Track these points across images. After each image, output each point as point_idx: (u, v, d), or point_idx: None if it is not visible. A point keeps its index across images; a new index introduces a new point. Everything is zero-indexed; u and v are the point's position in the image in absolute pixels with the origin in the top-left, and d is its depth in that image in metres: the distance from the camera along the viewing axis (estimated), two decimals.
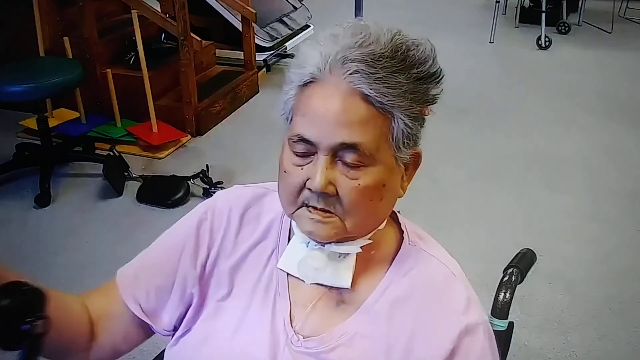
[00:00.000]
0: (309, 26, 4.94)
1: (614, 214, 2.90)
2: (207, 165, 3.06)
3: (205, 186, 2.99)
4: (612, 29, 5.56)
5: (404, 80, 0.81)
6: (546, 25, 5.11)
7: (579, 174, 3.25)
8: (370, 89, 0.79)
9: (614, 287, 2.42)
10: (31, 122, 3.35)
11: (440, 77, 0.85)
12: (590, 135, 3.68)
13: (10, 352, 0.71)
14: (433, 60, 0.84)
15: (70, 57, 3.39)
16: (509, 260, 1.10)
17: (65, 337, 0.91)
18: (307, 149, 0.83)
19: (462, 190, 3.10)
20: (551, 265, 2.50)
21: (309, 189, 0.83)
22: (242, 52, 4.17)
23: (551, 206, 2.97)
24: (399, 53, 0.81)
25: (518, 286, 1.07)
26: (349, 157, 0.81)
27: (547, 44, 5.11)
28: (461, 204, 2.99)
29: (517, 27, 5.70)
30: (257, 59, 4.23)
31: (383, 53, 0.80)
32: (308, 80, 0.83)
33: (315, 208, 0.84)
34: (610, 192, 3.08)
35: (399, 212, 0.96)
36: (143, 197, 2.97)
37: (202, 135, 3.60)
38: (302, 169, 0.83)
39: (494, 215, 2.90)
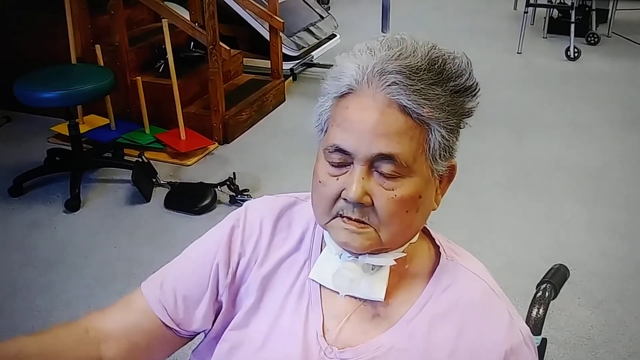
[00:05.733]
0: (336, 35, 4.95)
1: None
2: (233, 173, 3.08)
3: (232, 194, 3.01)
4: None
5: (441, 92, 0.82)
6: (575, 36, 5.06)
7: (606, 187, 3.20)
8: (409, 101, 0.80)
9: None
10: (62, 128, 3.41)
11: (477, 91, 0.86)
12: (619, 148, 3.62)
13: None
14: (469, 74, 0.85)
15: (102, 64, 3.44)
16: (537, 274, 1.09)
17: None
18: (343, 159, 0.83)
19: (487, 201, 3.07)
20: (580, 280, 2.46)
21: (344, 199, 0.83)
22: (269, 61, 4.19)
23: (579, 219, 2.92)
24: (436, 66, 0.82)
25: None
26: (386, 168, 0.81)
27: (575, 55, 5.05)
28: (486, 214, 2.97)
29: (546, 37, 5.65)
30: (283, 67, 4.25)
31: (420, 66, 0.81)
32: (345, 92, 0.83)
33: (349, 218, 0.84)
34: (639, 206, 3.04)
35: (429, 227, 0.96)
36: (170, 203, 3.00)
37: (229, 143, 3.63)
38: (337, 179, 0.84)
39: (521, 227, 2.87)
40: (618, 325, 2.27)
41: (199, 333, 0.98)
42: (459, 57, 0.85)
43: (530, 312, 1.01)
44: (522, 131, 3.85)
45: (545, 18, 5.69)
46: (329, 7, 6.03)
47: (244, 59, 4.28)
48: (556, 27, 5.59)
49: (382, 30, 4.61)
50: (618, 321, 2.29)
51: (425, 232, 0.95)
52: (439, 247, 0.94)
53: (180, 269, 0.99)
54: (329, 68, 0.87)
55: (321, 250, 0.94)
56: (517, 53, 5.22)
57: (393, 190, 0.82)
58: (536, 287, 1.05)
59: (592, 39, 5.45)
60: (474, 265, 0.94)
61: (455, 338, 0.87)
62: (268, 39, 4.17)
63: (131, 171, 3.10)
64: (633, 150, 3.60)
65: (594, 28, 5.53)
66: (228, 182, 3.03)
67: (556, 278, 1.07)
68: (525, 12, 5.25)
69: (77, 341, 0.93)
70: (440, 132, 0.82)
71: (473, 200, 2.99)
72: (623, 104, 4.25)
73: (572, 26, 5.04)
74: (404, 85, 0.79)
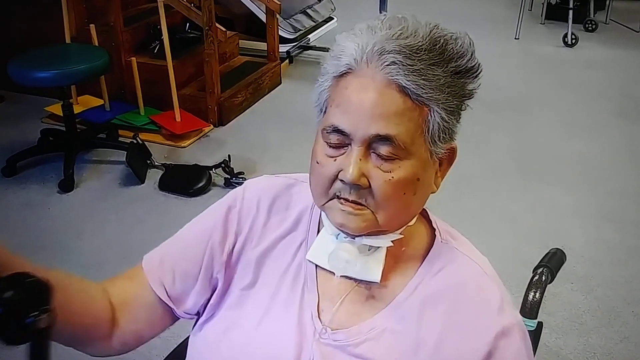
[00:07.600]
0: (333, 18, 4.92)
1: (637, 216, 2.86)
2: (228, 155, 3.07)
3: (227, 176, 3.00)
4: None
5: (441, 73, 0.80)
6: (573, 22, 5.04)
7: (601, 174, 3.21)
8: (408, 81, 0.78)
9: (637, 290, 2.39)
10: (56, 108, 3.38)
11: (478, 72, 0.84)
12: (614, 135, 3.63)
13: (16, 347, 0.67)
14: (471, 54, 0.83)
15: (96, 44, 3.41)
16: (531, 260, 1.09)
17: (84, 322, 0.91)
18: (341, 140, 0.82)
19: (481, 186, 3.08)
20: (573, 265, 2.47)
21: (342, 181, 0.82)
22: (265, 43, 4.16)
23: (574, 205, 2.93)
24: (437, 46, 0.81)
25: None
26: (383, 150, 0.80)
27: (573, 41, 5.04)
28: (480, 199, 2.97)
29: (543, 23, 5.63)
30: (280, 50, 4.22)
31: (421, 46, 0.79)
32: (344, 71, 0.82)
33: (346, 200, 0.83)
34: (633, 194, 3.04)
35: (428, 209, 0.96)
36: (165, 185, 2.98)
37: (224, 125, 3.61)
38: (335, 160, 0.83)
39: (516, 212, 2.87)
40: (610, 311, 2.28)
41: (192, 315, 0.98)
42: (462, 38, 0.83)
43: (526, 295, 1.01)
44: (518, 117, 3.85)
45: (543, 4, 5.67)
46: None
47: (240, 40, 4.25)
48: (554, 14, 5.57)
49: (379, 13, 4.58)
50: (610, 307, 2.30)
51: (424, 215, 0.95)
52: (435, 229, 0.94)
53: (178, 246, 1.00)
54: (325, 51, 0.86)
55: (318, 232, 0.94)
56: (515, 39, 5.21)
57: (390, 172, 0.81)
58: (533, 271, 1.05)
59: (590, 25, 5.44)
60: (468, 249, 0.93)
61: (444, 319, 0.86)
62: (264, 21, 4.14)
63: (126, 152, 3.08)
64: (629, 138, 3.60)
65: (591, 15, 5.51)
66: (223, 165, 3.02)
67: (553, 262, 1.07)
68: None
69: (101, 296, 0.95)
70: (440, 113, 0.81)
71: (464, 184, 2.99)
72: (620, 91, 4.24)
73: (570, 12, 5.02)
74: (403, 65, 0.78)
